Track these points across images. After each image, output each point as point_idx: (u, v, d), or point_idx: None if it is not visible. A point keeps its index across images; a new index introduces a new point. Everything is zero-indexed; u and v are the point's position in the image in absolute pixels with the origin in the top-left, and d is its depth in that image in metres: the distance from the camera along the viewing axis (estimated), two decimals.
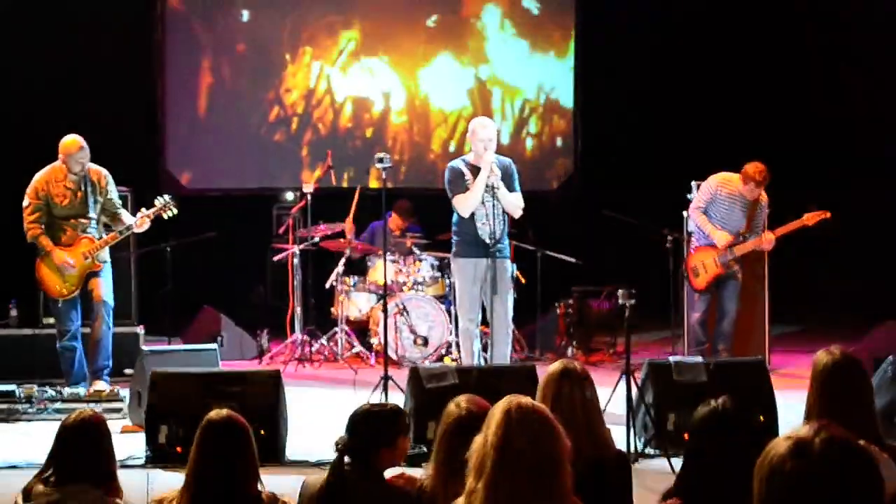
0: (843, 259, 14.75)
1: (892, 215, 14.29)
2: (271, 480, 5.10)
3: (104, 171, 10.54)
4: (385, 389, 9.29)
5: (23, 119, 14.39)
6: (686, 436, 8.07)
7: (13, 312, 12.00)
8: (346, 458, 5.16)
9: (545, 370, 8.27)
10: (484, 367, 9.30)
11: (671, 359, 9.09)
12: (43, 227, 10.35)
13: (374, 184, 14.84)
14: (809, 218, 11.30)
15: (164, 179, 14.91)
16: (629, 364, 8.46)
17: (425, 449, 8.14)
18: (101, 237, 10.44)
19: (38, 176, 10.43)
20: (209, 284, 13.72)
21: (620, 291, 8.43)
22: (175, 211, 10.58)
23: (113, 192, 10.57)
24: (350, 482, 5.11)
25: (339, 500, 5.10)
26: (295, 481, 5.45)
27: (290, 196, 14.80)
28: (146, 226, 10.54)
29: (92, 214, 10.40)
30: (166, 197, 10.67)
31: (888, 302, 12.24)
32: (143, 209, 10.53)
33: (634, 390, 8.60)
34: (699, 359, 9.14)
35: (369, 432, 5.19)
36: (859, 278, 14.57)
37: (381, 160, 10.02)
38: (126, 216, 10.58)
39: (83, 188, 10.38)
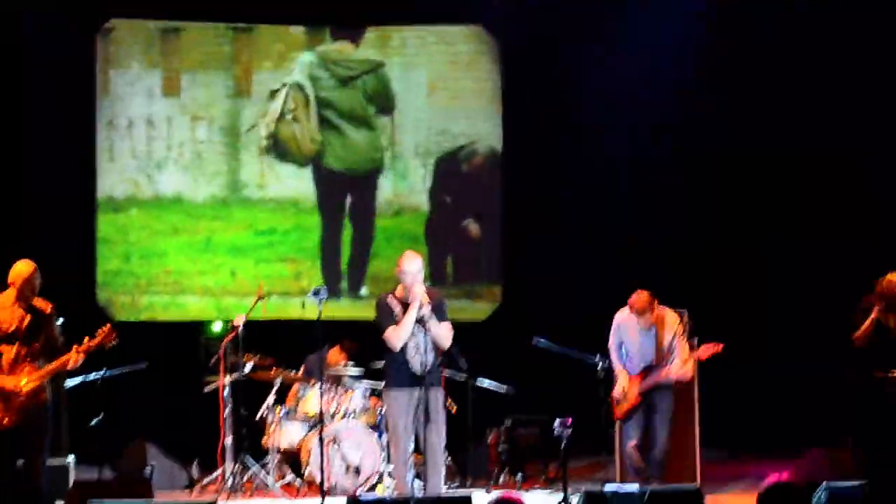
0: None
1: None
2: None
3: (51, 304, 10.44)
4: None
5: None
6: None
7: None
8: None
9: (479, 498, 8.40)
10: (421, 499, 9.26)
11: (607, 488, 9.16)
12: None
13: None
14: (702, 352, 11.51)
15: (94, 311, 14.87)
16: (567, 493, 8.53)
17: None
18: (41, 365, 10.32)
19: None
20: (139, 414, 13.65)
21: (557, 421, 8.52)
22: (116, 341, 10.47)
23: (56, 326, 10.45)
24: None
25: None
26: None
27: (217, 327, 14.83)
28: (80, 361, 10.41)
29: (36, 344, 10.28)
30: (107, 326, 10.55)
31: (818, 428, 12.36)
32: (87, 339, 10.38)
33: None
34: (635, 487, 9.20)
35: None
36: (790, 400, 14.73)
37: (316, 293, 10.12)
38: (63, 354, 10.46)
39: (30, 316, 10.26)
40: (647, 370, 11.53)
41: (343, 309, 15.01)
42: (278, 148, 15.79)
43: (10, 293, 10.21)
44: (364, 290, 15.65)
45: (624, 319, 11.68)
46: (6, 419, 10.09)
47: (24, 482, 10.19)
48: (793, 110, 15.28)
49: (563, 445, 8.54)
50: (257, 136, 15.75)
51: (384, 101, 16.00)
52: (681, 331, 11.65)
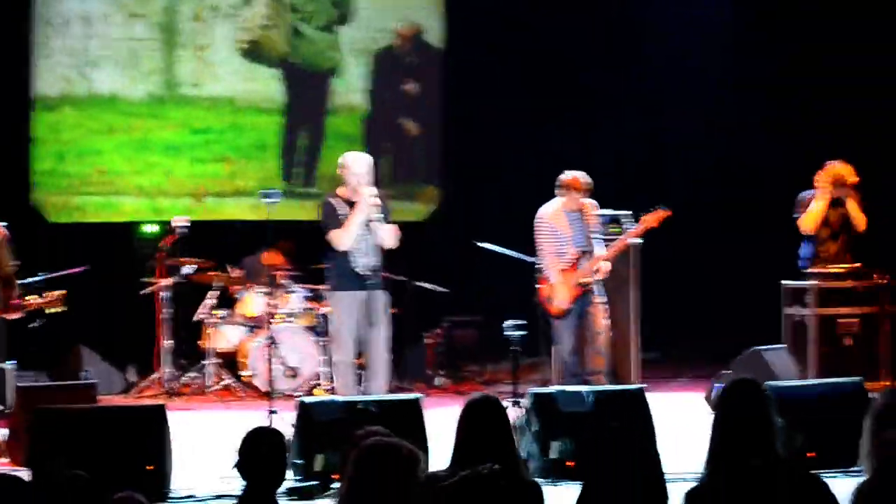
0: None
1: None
2: None
3: (3, 230, 10.30)
4: (271, 423, 9.27)
5: None
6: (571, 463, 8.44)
7: None
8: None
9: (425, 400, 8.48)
10: (370, 400, 9.26)
11: (554, 388, 9.23)
12: None
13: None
14: (650, 220, 11.17)
15: (30, 213, 14.67)
16: (517, 393, 8.60)
17: (316, 482, 8.29)
18: None
19: None
20: (75, 319, 13.56)
21: (508, 322, 8.56)
22: (64, 309, 10.41)
23: (5, 253, 10.29)
24: None
25: None
26: None
27: (150, 228, 14.73)
28: (17, 315, 10.38)
29: None
30: (60, 292, 10.47)
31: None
32: (33, 297, 10.33)
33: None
34: (582, 388, 9.26)
35: (256, 452, 5.26)
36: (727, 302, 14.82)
37: (267, 195, 10.05)
38: (14, 287, 10.35)
39: None
40: (580, 257, 11.12)
41: (288, 210, 14.80)
42: (254, 53, 15.56)
43: None
44: (312, 190, 15.51)
45: (552, 212, 11.19)
46: None
47: None
48: None
49: (513, 347, 8.61)
50: (193, 33, 15.46)
51: (346, 9, 15.81)
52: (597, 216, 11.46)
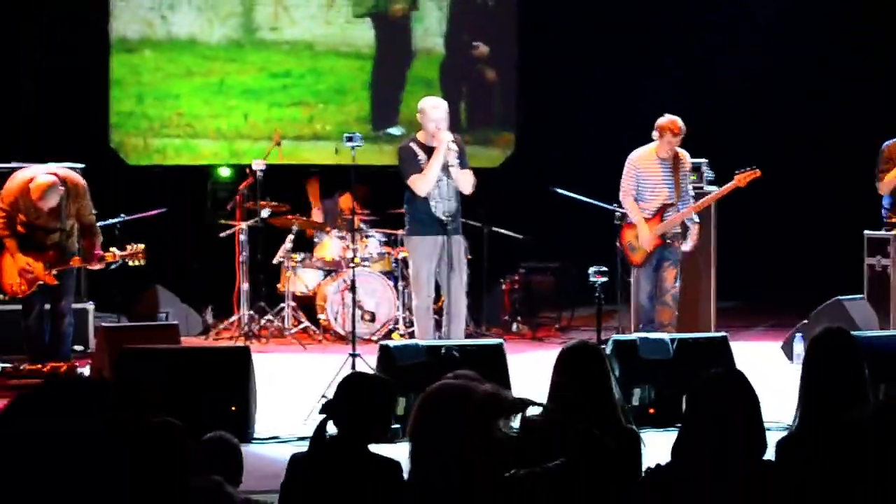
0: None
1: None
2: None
3: (81, 182, 10.36)
4: (353, 366, 9.31)
5: None
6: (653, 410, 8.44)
7: None
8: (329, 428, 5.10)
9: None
10: (452, 345, 9.24)
11: (636, 335, 9.20)
12: (11, 231, 10.21)
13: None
14: (740, 179, 10.99)
15: (109, 156, 14.76)
16: (600, 339, 8.60)
17: (398, 425, 8.28)
18: (69, 251, 10.30)
19: (12, 185, 10.24)
20: (154, 260, 13.72)
21: (592, 269, 8.54)
22: (143, 262, 10.52)
23: (87, 202, 10.37)
24: (335, 452, 5.06)
25: (325, 469, 5.03)
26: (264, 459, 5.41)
27: (225, 172, 14.79)
28: (98, 266, 10.49)
29: (64, 226, 10.24)
30: (141, 246, 10.56)
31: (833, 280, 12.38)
32: (114, 249, 10.44)
33: None
34: (664, 335, 9.21)
35: (362, 400, 5.10)
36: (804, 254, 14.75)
37: (350, 139, 10.04)
38: (97, 235, 10.47)
39: (49, 211, 10.19)
40: (664, 209, 10.98)
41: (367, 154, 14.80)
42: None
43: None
44: (393, 133, 15.53)
45: (641, 157, 11.02)
46: (18, 290, 10.24)
47: (50, 323, 10.33)
48: None
49: (597, 293, 8.62)
50: None
51: None
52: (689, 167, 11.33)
